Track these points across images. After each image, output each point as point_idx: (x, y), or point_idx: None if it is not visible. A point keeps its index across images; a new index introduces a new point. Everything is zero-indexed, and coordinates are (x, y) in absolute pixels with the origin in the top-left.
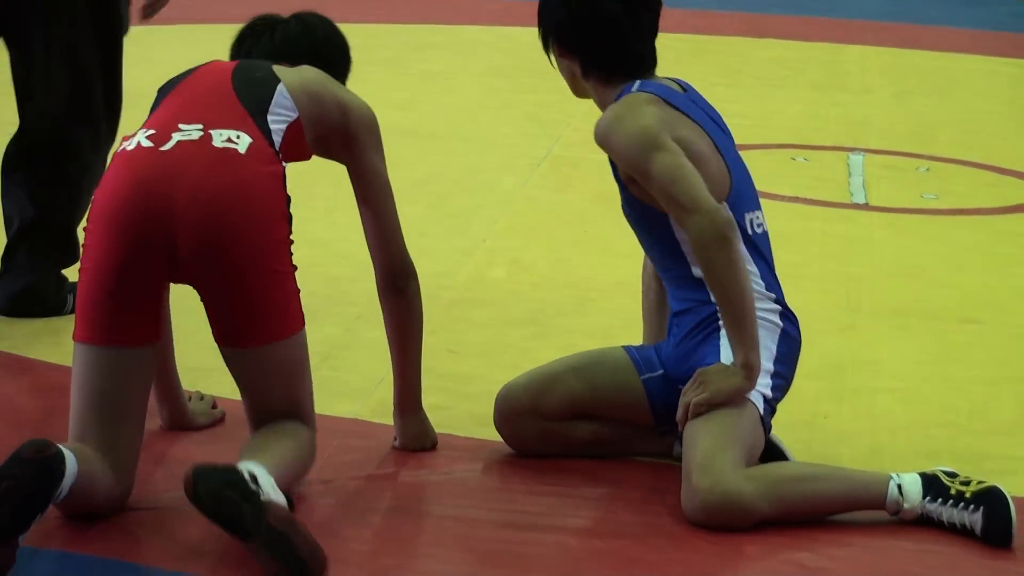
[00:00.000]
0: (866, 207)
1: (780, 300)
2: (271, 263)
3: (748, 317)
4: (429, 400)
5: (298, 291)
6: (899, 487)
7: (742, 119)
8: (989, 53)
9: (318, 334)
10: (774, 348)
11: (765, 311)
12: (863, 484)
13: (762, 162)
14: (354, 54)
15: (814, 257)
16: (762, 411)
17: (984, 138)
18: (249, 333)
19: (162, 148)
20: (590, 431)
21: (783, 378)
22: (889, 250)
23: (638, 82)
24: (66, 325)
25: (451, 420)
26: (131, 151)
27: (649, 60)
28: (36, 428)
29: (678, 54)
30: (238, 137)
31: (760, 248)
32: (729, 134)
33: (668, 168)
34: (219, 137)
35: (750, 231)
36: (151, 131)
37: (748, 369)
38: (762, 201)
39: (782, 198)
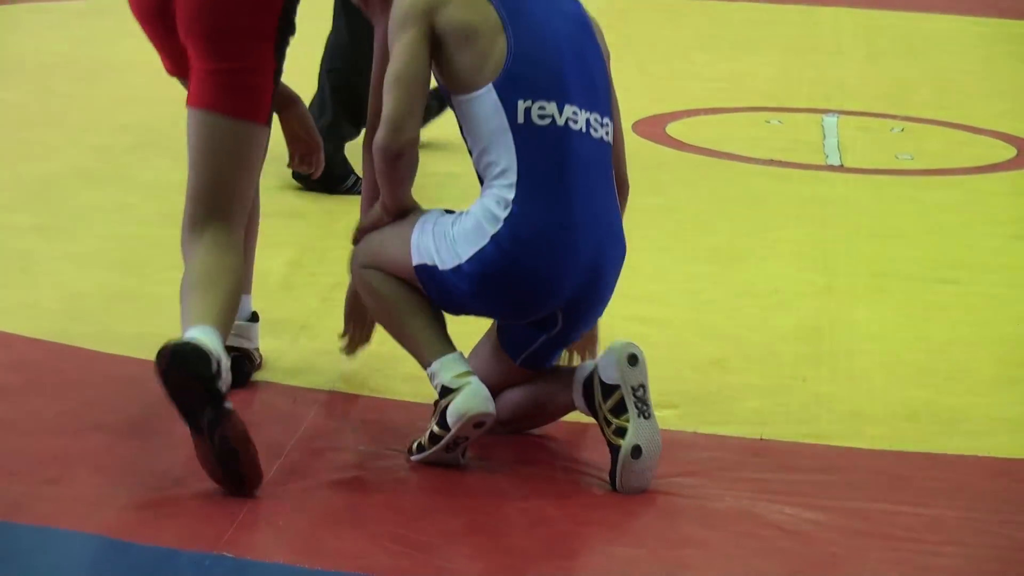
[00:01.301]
0: (841, 168)
1: (518, 213)
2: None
3: (393, 200)
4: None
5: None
6: None
7: (716, 83)
8: (961, 12)
9: (296, 305)
10: (469, 252)
11: (485, 214)
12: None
13: (736, 125)
14: None
15: (790, 220)
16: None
17: (958, 98)
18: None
19: None
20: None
21: (477, 303)
22: (865, 211)
23: None
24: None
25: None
26: None
27: None
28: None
29: (652, 17)
30: None
31: (530, 142)
32: (577, 22)
33: (395, 63)
34: None
35: (521, 120)
36: None
37: (383, 207)
38: (735, 164)
39: (757, 161)
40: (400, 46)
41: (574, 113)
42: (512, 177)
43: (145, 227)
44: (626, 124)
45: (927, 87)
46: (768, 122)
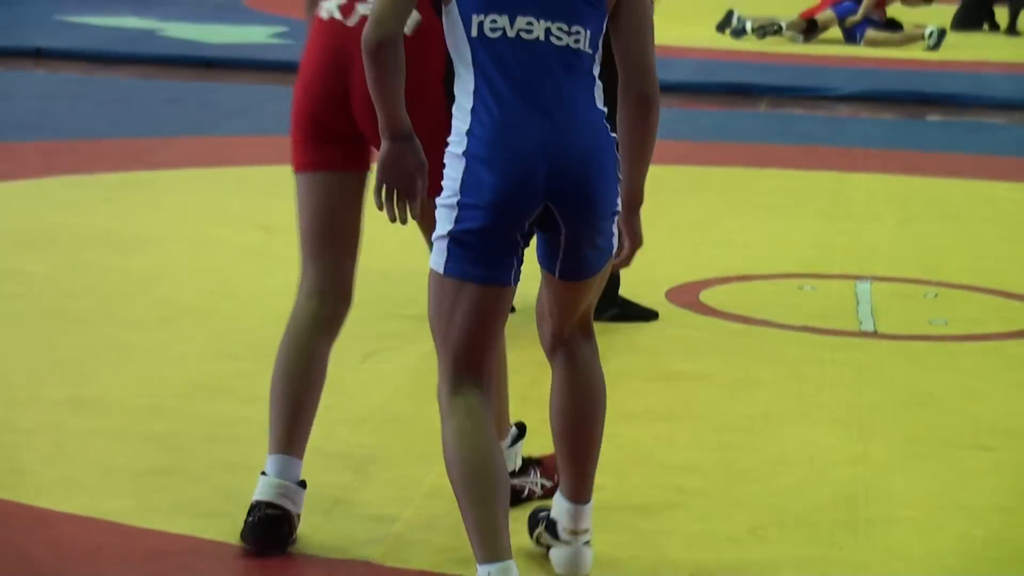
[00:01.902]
0: (875, 335)
1: (475, 122)
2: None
3: (384, 107)
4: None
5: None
6: None
7: (749, 249)
8: (993, 178)
9: (327, 479)
10: (458, 179)
11: (456, 135)
12: None
13: (770, 291)
14: None
15: (824, 387)
16: (445, 250)
17: (991, 263)
18: None
19: (348, 22)
20: None
21: (473, 208)
22: (899, 378)
23: None
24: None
25: None
26: (325, 21)
27: None
28: None
29: (684, 184)
30: None
31: (482, 53)
32: None
33: None
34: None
35: (475, 33)
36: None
37: (381, 130)
38: (769, 331)
39: (790, 327)
40: None
41: (528, 24)
42: (470, 86)
43: (178, 400)
44: (659, 292)
45: (960, 252)
46: (801, 288)
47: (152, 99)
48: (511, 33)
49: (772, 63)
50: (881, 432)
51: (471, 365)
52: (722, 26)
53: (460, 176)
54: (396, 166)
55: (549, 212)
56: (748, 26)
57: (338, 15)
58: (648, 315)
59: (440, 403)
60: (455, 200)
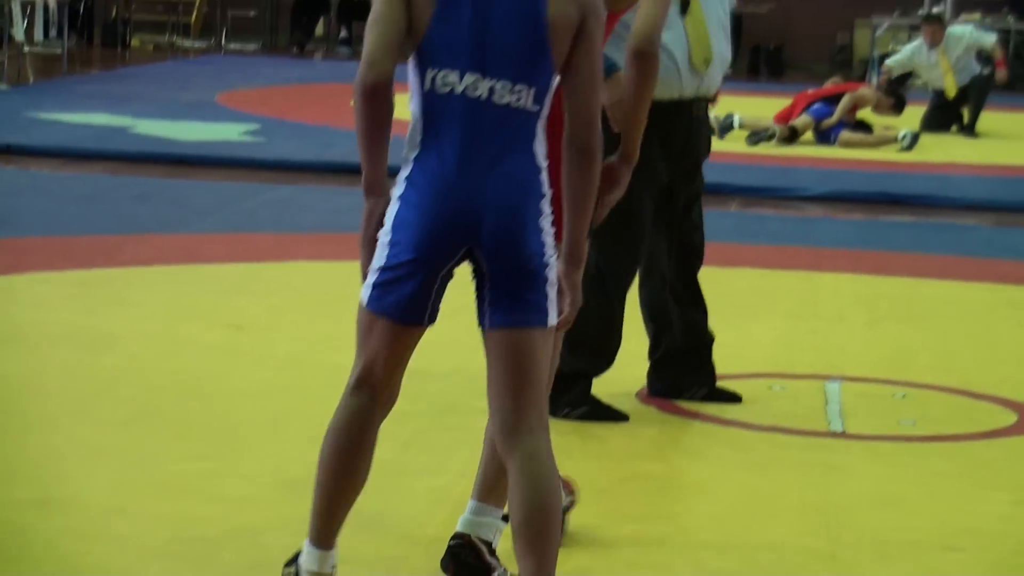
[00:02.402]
0: (844, 435)
1: (416, 169)
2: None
3: (371, 162)
4: None
5: None
6: None
7: (720, 348)
8: (961, 278)
9: None
10: (391, 220)
11: (399, 181)
12: None
13: (739, 391)
14: (327, 291)
15: (793, 487)
16: (371, 285)
17: (959, 363)
18: None
19: None
20: None
21: (399, 246)
22: (868, 478)
23: None
24: None
25: None
26: None
27: None
28: None
29: None
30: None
31: (433, 106)
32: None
33: (373, 11)
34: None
35: (427, 86)
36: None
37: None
38: (738, 431)
39: (760, 427)
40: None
41: (475, 82)
42: (418, 136)
43: (144, 501)
44: (630, 391)
45: (928, 353)
46: (771, 388)
47: (122, 196)
48: (458, 90)
49: (743, 163)
50: (849, 533)
51: (374, 380)
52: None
53: (393, 217)
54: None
55: (476, 261)
56: (736, 121)
57: None
58: (618, 417)
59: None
60: (387, 239)
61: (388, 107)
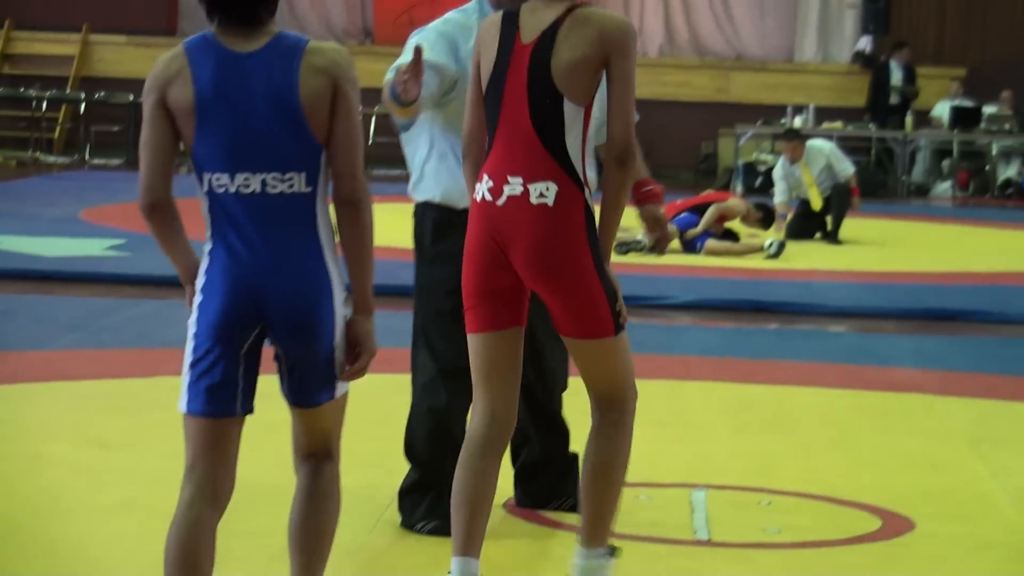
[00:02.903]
0: (709, 543)
1: (207, 265)
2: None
3: (177, 261)
4: None
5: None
6: None
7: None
8: (825, 385)
9: None
10: (194, 310)
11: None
12: None
13: None
14: None
15: None
16: (185, 388)
17: (823, 471)
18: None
19: (497, 203)
20: None
21: (199, 335)
22: None
23: None
24: None
25: None
26: (479, 202)
27: None
28: None
29: None
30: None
31: (215, 204)
32: (271, 99)
33: (142, 131)
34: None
35: (207, 188)
36: (492, 183)
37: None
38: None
39: (626, 537)
40: (144, 115)
41: (246, 179)
42: (208, 231)
43: None
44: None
45: (793, 460)
46: (637, 498)
47: None
48: (232, 189)
49: None
50: None
51: (198, 476)
52: None
53: (196, 306)
54: None
55: (271, 340)
56: None
57: (489, 196)
58: None
59: None
60: (191, 332)
61: (170, 220)
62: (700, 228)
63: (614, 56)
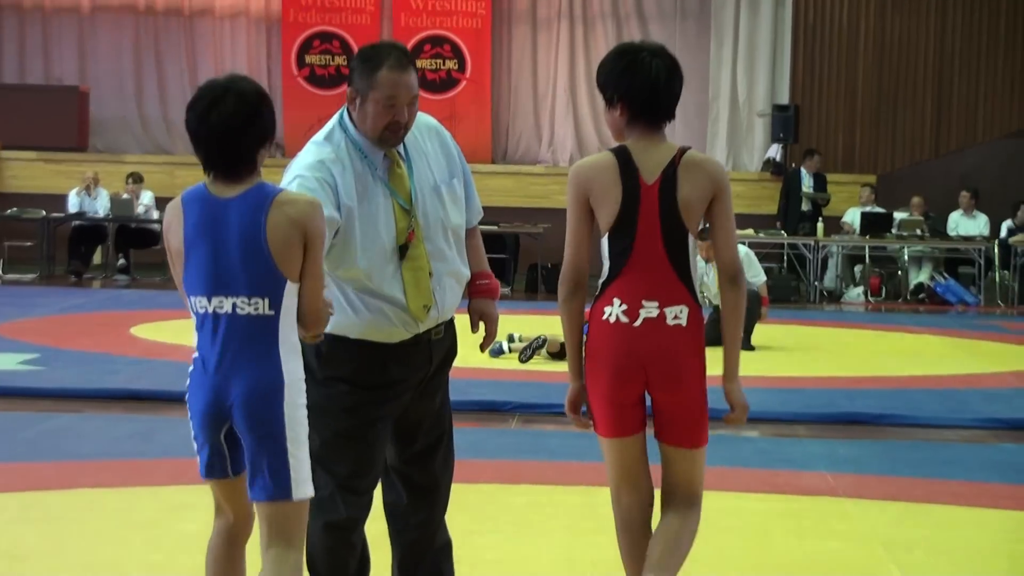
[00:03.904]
0: None
1: (194, 367)
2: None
3: None
4: None
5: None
6: None
7: (500, 565)
8: (739, 489)
9: None
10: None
11: None
12: None
13: None
14: (108, 519)
15: None
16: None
17: (738, 574)
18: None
19: (634, 324)
20: None
21: (191, 423)
22: None
23: None
24: None
25: None
26: (612, 324)
27: None
28: None
29: None
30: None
31: (199, 323)
32: (241, 235)
33: None
34: (670, 315)
35: (194, 308)
36: (625, 306)
37: None
38: None
39: None
40: None
41: (218, 302)
42: (195, 343)
43: None
44: None
45: (706, 565)
46: None
47: None
48: (209, 309)
49: (522, 380)
50: None
51: (224, 514)
52: (495, 354)
53: (188, 402)
54: None
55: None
56: (505, 347)
57: (624, 319)
58: None
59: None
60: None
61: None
62: None
63: (720, 194)
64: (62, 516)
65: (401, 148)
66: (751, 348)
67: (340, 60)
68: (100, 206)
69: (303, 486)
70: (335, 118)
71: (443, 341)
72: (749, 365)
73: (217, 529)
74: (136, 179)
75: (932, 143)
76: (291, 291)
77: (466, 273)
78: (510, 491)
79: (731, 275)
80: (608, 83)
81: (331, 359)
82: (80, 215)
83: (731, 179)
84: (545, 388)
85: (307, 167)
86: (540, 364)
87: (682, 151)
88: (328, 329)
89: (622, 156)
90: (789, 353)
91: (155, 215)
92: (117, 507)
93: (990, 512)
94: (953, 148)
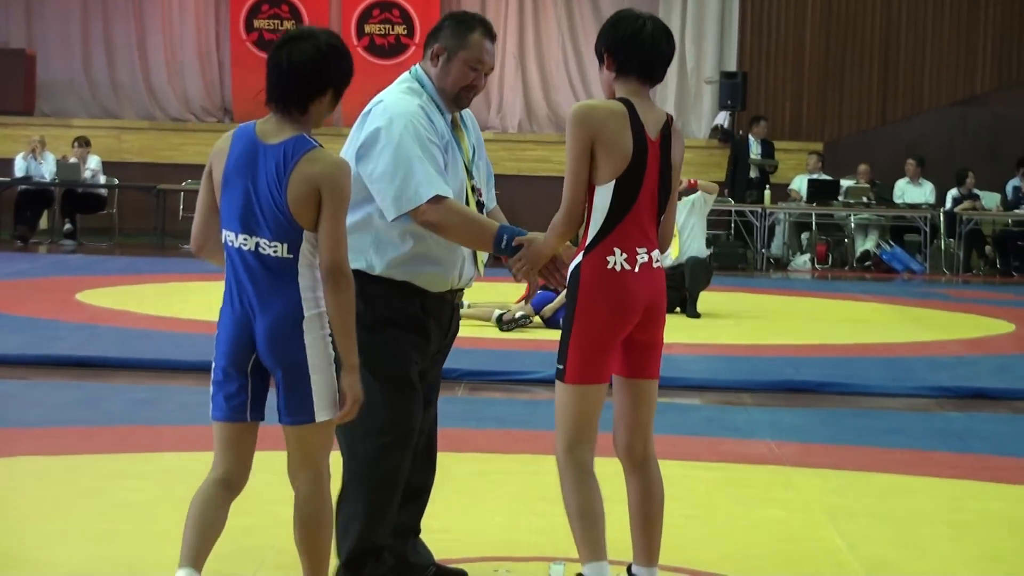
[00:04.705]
0: None
1: (224, 302)
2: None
3: None
4: None
5: None
6: None
7: (446, 533)
8: (683, 458)
9: None
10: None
11: None
12: None
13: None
14: (52, 487)
15: None
16: (210, 400)
17: (682, 542)
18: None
19: (635, 271)
20: None
21: (216, 357)
22: None
23: None
24: None
25: None
26: (618, 272)
27: None
28: None
29: None
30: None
31: (230, 258)
32: (267, 177)
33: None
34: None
35: (224, 240)
36: (625, 255)
37: None
38: None
39: None
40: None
41: (244, 239)
42: (225, 276)
43: None
44: None
45: None
46: (496, 571)
47: None
48: (237, 244)
49: (470, 348)
50: None
51: (223, 468)
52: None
53: (215, 339)
54: None
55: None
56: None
57: (627, 266)
58: None
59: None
60: (213, 357)
61: (214, 257)
62: (557, 303)
63: (681, 164)
64: (4, 484)
65: (458, 113)
66: (697, 315)
67: (288, 24)
68: (46, 170)
69: (325, 411)
70: (405, 75)
71: (457, 310)
72: (695, 333)
73: (211, 480)
74: (83, 143)
75: (879, 111)
76: (309, 238)
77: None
78: (456, 459)
79: (665, 244)
80: (612, 46)
81: (376, 301)
82: (26, 179)
83: None
84: (492, 356)
85: (412, 115)
86: (489, 332)
87: (670, 116)
88: (377, 270)
89: (630, 107)
90: (735, 321)
91: (102, 179)
92: (61, 475)
93: (933, 480)
94: (900, 116)
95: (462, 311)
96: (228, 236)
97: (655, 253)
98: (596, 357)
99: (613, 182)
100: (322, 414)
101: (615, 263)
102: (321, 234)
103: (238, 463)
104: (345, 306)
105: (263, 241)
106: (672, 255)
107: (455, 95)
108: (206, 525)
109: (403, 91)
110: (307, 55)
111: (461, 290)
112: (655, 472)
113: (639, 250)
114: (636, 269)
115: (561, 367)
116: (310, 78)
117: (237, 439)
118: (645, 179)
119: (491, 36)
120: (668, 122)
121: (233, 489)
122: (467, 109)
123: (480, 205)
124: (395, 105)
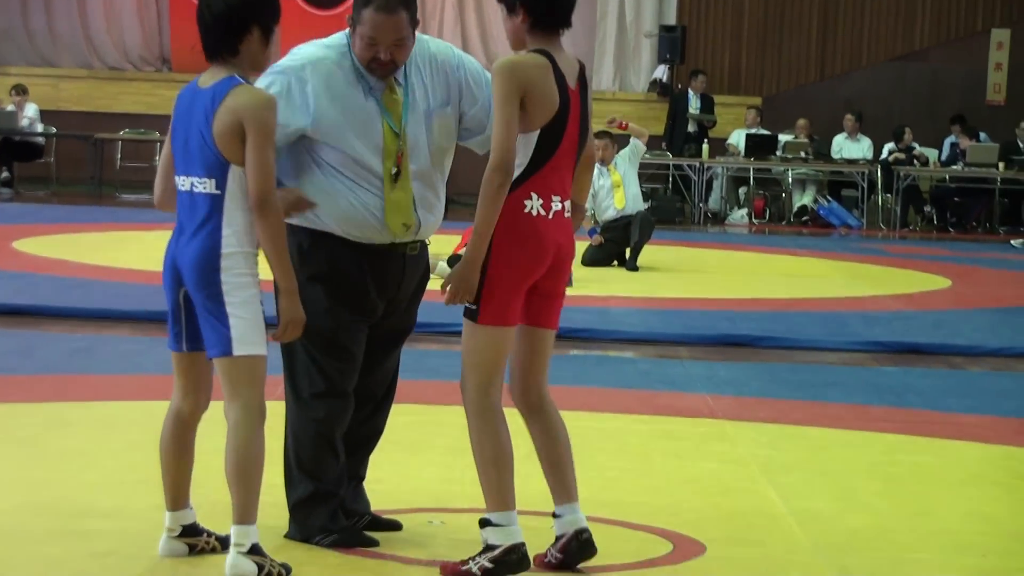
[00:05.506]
0: None
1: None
2: None
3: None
4: None
5: None
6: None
7: (380, 483)
8: (620, 411)
9: None
10: None
11: None
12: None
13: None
14: None
15: None
16: None
17: (616, 495)
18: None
19: (548, 216)
20: None
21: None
22: None
23: None
24: None
25: None
26: (534, 216)
27: None
28: None
29: None
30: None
31: (178, 198)
32: (200, 114)
33: None
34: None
35: (178, 187)
36: (541, 200)
37: None
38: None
39: (419, 562)
40: None
41: (182, 180)
42: None
43: None
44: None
45: (585, 484)
46: (431, 523)
47: None
48: (179, 187)
49: None
50: None
51: (178, 402)
52: None
53: None
54: None
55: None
56: None
57: (542, 212)
58: (369, 543)
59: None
60: None
61: (173, 206)
62: None
63: None
64: None
65: (400, 75)
66: (635, 269)
67: None
68: None
69: (245, 346)
70: (341, 32)
71: (418, 260)
72: (632, 286)
73: (167, 415)
74: (20, 91)
75: (817, 66)
76: (235, 174)
77: (440, 205)
78: (392, 411)
79: (582, 196)
80: None
81: (310, 256)
82: None
83: (618, 99)
84: (426, 307)
85: (284, 69)
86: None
87: (582, 63)
88: (310, 224)
89: (550, 59)
90: (672, 275)
91: (39, 128)
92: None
93: (867, 435)
94: (838, 71)
95: None
96: (177, 181)
97: (567, 203)
98: (510, 299)
99: (538, 131)
100: (241, 348)
101: (531, 207)
102: (248, 166)
103: (188, 392)
104: (273, 234)
105: (195, 180)
106: (616, 205)
107: (365, 66)
108: (171, 466)
109: (322, 42)
110: None
111: (414, 242)
112: (555, 414)
113: (554, 198)
114: (550, 216)
115: (474, 308)
116: (231, 18)
117: (182, 369)
118: (567, 128)
119: (388, 8)
120: (582, 69)
121: (186, 421)
122: (447, 61)
123: (397, 174)
124: (289, 55)
